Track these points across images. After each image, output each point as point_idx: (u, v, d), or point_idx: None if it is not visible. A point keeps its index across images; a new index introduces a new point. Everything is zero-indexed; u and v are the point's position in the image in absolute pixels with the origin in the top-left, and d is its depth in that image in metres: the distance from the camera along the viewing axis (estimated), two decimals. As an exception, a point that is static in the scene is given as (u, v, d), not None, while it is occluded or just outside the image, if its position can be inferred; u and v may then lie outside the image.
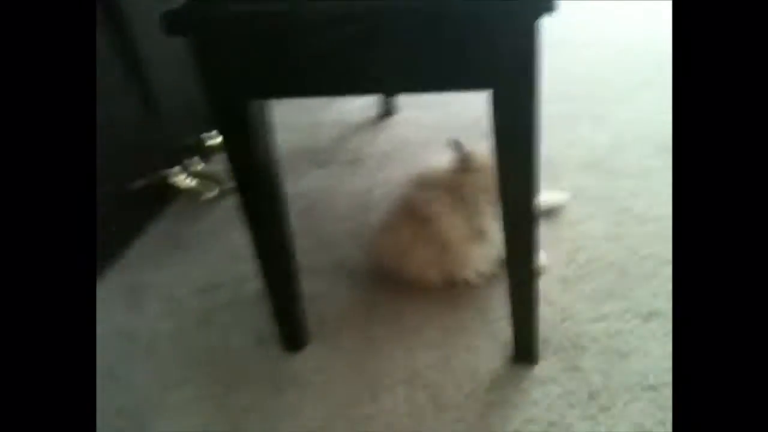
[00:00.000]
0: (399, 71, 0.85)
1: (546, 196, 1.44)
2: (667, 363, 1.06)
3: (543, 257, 1.28)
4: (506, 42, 0.79)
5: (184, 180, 1.61)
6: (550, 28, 2.09)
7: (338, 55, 0.83)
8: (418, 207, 1.21)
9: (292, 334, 1.16)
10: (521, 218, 0.94)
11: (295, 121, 2.01)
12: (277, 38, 0.82)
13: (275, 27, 0.82)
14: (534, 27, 0.77)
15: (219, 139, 1.51)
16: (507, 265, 1.00)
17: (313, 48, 0.83)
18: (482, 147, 1.29)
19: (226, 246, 1.47)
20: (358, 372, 1.12)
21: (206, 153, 1.70)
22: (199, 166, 1.67)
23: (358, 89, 0.92)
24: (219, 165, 1.62)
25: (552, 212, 1.44)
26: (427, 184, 1.26)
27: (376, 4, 0.80)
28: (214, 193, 1.62)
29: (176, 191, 1.61)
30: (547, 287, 1.24)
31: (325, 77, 0.87)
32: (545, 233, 1.36)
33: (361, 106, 2.07)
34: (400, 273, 1.24)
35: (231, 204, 1.52)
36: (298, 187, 1.66)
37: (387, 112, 1.99)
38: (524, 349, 1.08)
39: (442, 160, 1.30)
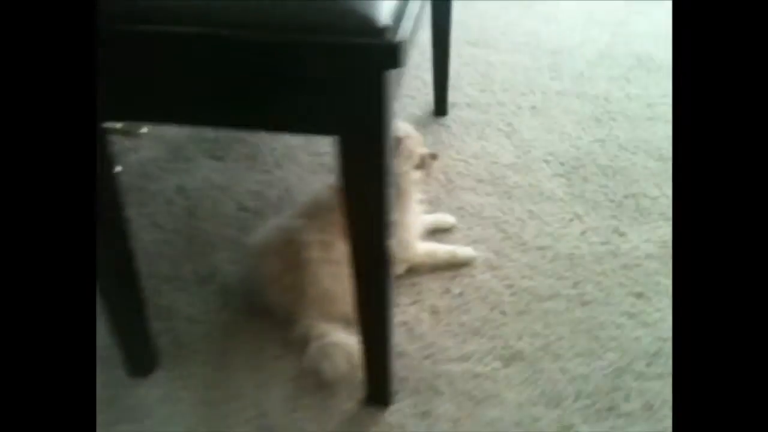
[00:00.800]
0: (230, 104, 0.76)
1: (431, 218, 1.39)
2: (518, 414, 1.04)
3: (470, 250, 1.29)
4: (350, 91, 0.71)
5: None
6: (472, 27, 2.00)
7: (160, 81, 0.74)
8: (296, 241, 1.12)
9: (134, 357, 1.08)
10: (370, 266, 0.88)
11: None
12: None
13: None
14: (380, 79, 0.70)
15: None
16: (357, 313, 0.94)
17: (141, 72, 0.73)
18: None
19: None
20: (204, 407, 1.06)
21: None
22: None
23: (187, 119, 0.83)
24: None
25: (436, 235, 1.39)
26: (320, 209, 1.16)
27: (207, 31, 0.71)
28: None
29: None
30: (417, 318, 1.20)
31: (152, 103, 0.77)
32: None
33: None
34: (269, 299, 1.17)
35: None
36: (185, 180, 1.55)
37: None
38: (377, 391, 1.04)
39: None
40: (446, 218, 1.41)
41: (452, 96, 1.85)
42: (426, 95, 1.82)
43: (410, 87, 1.93)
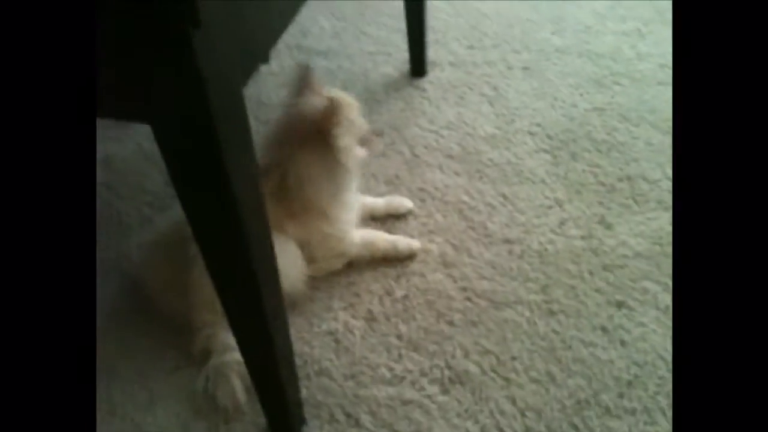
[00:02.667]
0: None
1: (382, 202, 1.18)
2: (448, 456, 0.85)
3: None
4: (148, 61, 0.50)
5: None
6: None
7: None
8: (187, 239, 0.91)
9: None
10: (233, 288, 0.69)
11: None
12: None
13: None
14: (185, 41, 0.49)
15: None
16: (235, 338, 0.76)
17: None
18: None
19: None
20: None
21: None
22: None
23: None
24: None
25: (388, 222, 1.18)
26: None
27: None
28: None
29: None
30: (347, 327, 1.01)
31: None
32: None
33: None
34: (160, 305, 0.99)
35: None
36: (114, 150, 1.37)
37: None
38: (276, 421, 0.87)
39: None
40: (402, 202, 1.20)
41: (435, 53, 1.61)
42: (405, 53, 1.58)
43: (387, 42, 1.69)
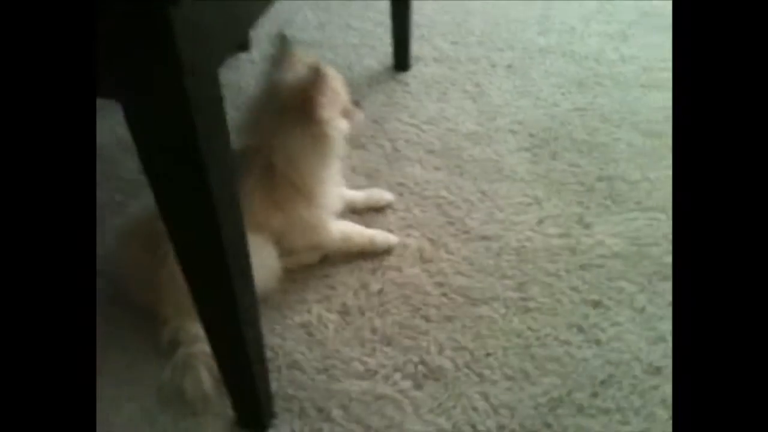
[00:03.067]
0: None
1: (362, 194, 1.17)
2: (420, 452, 0.84)
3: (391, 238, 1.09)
4: (122, 36, 0.48)
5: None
6: None
7: None
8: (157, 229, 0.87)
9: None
10: (210, 278, 0.67)
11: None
12: None
13: None
14: (163, 20, 0.47)
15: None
16: (204, 329, 0.73)
17: None
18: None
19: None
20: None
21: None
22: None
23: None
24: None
25: (366, 216, 1.17)
26: None
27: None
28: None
29: None
30: (321, 320, 1.00)
31: None
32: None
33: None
34: (130, 295, 0.97)
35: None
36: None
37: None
38: (246, 414, 0.85)
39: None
40: (383, 195, 1.19)
41: (419, 48, 1.60)
42: (389, 46, 1.56)
43: (372, 35, 1.68)
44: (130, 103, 0.53)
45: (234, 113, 0.97)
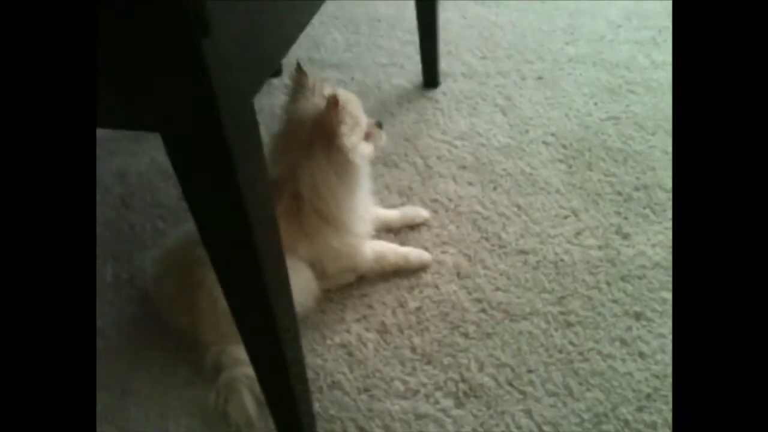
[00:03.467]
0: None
1: (396, 213, 1.17)
2: (464, 471, 0.84)
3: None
4: (158, 71, 0.50)
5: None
6: None
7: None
8: (193, 255, 0.88)
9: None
10: (250, 301, 0.68)
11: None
12: None
13: None
14: (195, 52, 0.48)
15: None
16: (248, 354, 0.75)
17: None
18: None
19: None
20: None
21: None
22: None
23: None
24: None
25: (401, 233, 1.17)
26: None
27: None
28: None
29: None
30: (360, 339, 1.00)
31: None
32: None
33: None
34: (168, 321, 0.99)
35: None
36: (129, 163, 1.38)
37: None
38: (290, 437, 0.85)
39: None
40: (418, 212, 1.20)
41: (448, 64, 1.61)
42: (418, 64, 1.58)
43: (400, 54, 1.69)
44: (167, 133, 0.54)
45: (268, 137, 0.99)
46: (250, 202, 0.58)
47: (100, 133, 1.48)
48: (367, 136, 1.02)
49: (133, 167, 1.37)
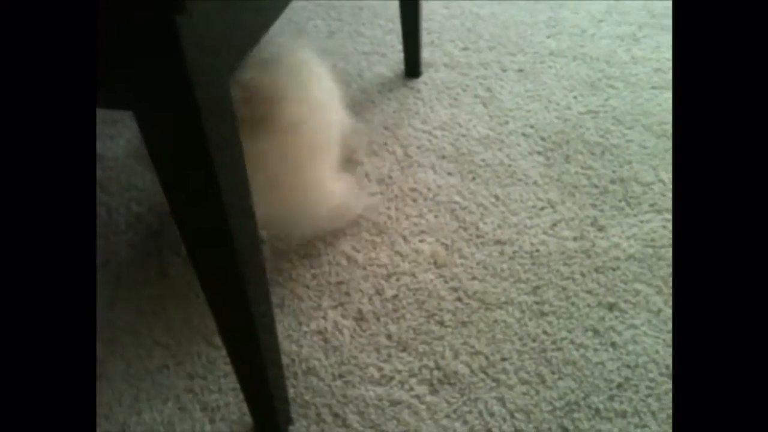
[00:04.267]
0: None
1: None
2: (436, 457, 0.84)
3: None
4: (130, 46, 0.49)
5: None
6: None
7: None
8: None
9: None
10: (224, 283, 0.68)
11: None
12: None
13: None
14: (170, 29, 0.48)
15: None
16: (219, 334, 0.74)
17: None
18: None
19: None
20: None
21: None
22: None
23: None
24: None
25: (384, 220, 1.17)
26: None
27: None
28: None
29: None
30: (336, 326, 1.00)
31: None
32: (359, 245, 1.11)
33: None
34: None
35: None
36: (107, 146, 1.36)
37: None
38: (262, 421, 0.85)
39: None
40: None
41: (430, 54, 1.61)
42: (400, 53, 1.57)
43: (382, 43, 1.69)
44: (141, 111, 0.54)
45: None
46: (225, 183, 0.58)
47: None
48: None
49: (110, 151, 1.35)
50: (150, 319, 1.01)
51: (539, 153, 1.32)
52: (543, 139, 1.35)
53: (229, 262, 0.64)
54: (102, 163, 1.32)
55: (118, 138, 1.37)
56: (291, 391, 0.91)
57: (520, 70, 1.56)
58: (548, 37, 1.68)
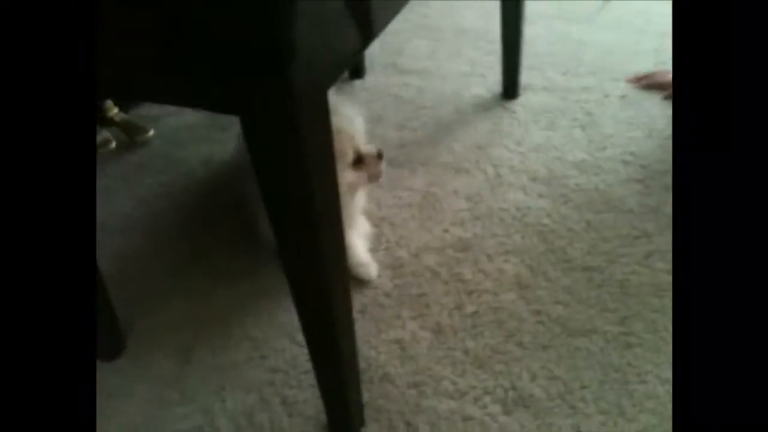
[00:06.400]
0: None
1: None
2: (505, 477, 0.83)
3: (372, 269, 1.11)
4: (242, 57, 0.54)
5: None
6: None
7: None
8: None
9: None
10: (311, 289, 0.71)
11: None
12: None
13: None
14: (279, 47, 0.52)
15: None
16: (304, 335, 0.78)
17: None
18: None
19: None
20: (153, 406, 0.96)
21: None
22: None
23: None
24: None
25: (468, 237, 1.18)
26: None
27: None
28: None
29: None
30: (414, 337, 1.02)
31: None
32: (442, 259, 1.12)
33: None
34: None
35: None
36: (216, 150, 1.46)
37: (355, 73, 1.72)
38: (337, 420, 0.88)
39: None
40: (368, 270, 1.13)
41: (529, 77, 1.61)
42: (499, 75, 1.58)
43: (482, 64, 1.70)
44: (245, 117, 0.58)
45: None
46: (319, 193, 0.62)
47: (190, 120, 1.57)
48: (359, 165, 1.07)
49: (219, 154, 1.44)
50: (240, 313, 1.07)
51: (638, 181, 1.28)
52: (643, 167, 1.31)
53: (317, 269, 0.68)
54: (208, 166, 1.41)
55: (227, 143, 1.46)
56: (366, 395, 0.93)
57: (623, 96, 1.52)
58: (654, 65, 1.63)
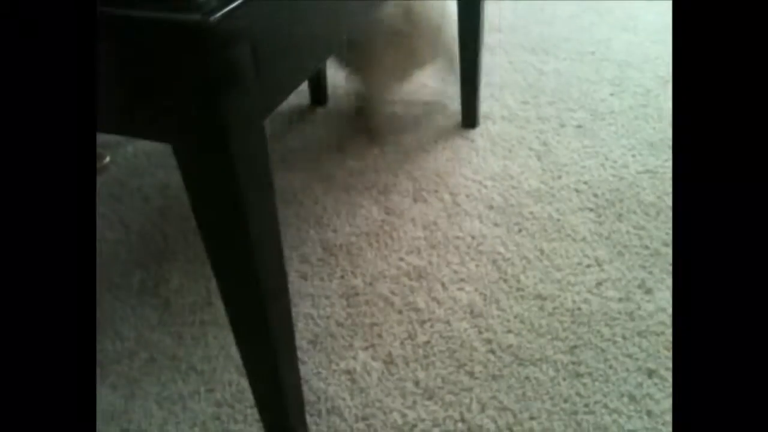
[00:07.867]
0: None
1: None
2: None
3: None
4: (170, 84, 0.54)
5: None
6: (534, 31, 1.80)
7: None
8: None
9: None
10: (249, 320, 0.70)
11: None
12: None
13: None
14: (210, 68, 0.52)
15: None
16: (249, 379, 0.77)
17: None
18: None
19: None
20: (94, 438, 0.92)
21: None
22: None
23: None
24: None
25: (424, 264, 1.18)
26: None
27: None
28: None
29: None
30: (365, 368, 1.01)
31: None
32: (396, 288, 1.12)
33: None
34: None
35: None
36: (172, 178, 1.45)
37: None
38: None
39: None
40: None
41: (488, 107, 1.63)
42: (459, 104, 1.60)
43: (444, 94, 1.72)
44: (177, 145, 0.58)
45: (310, 163, 1.02)
46: (253, 219, 0.61)
47: (148, 147, 1.56)
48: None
49: (176, 182, 1.43)
50: (190, 345, 1.05)
51: (591, 209, 1.29)
52: (596, 195, 1.33)
53: (254, 299, 0.67)
54: (166, 192, 1.40)
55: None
56: (313, 429, 0.92)
57: (579, 126, 1.55)
58: (611, 94, 1.67)
